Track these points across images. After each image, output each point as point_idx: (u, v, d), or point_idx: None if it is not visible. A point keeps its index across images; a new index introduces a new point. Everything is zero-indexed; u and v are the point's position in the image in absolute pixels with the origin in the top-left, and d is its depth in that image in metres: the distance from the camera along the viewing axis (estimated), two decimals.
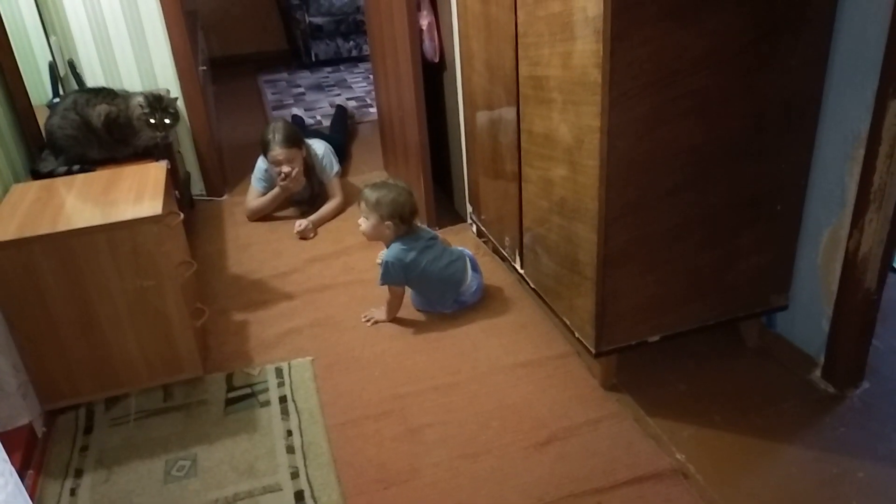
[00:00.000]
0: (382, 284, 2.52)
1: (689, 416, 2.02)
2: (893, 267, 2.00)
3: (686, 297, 2.04)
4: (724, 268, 2.03)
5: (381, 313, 2.56)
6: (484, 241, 3.03)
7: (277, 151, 3.22)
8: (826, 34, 1.82)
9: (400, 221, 2.50)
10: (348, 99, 5.36)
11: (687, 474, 1.83)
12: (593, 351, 2.04)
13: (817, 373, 2.11)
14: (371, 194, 2.50)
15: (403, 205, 2.50)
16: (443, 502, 1.80)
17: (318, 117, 4.96)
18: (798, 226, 2.06)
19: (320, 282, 2.85)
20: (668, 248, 1.94)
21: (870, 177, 1.81)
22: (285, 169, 3.24)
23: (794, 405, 2.04)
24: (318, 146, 3.46)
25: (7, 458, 0.89)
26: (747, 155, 1.88)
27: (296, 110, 5.06)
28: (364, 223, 2.55)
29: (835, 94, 1.87)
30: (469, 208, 3.08)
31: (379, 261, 2.62)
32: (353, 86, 5.76)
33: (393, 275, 2.48)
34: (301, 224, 3.23)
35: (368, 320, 2.55)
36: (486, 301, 2.65)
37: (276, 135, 3.21)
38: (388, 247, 2.53)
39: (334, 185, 3.45)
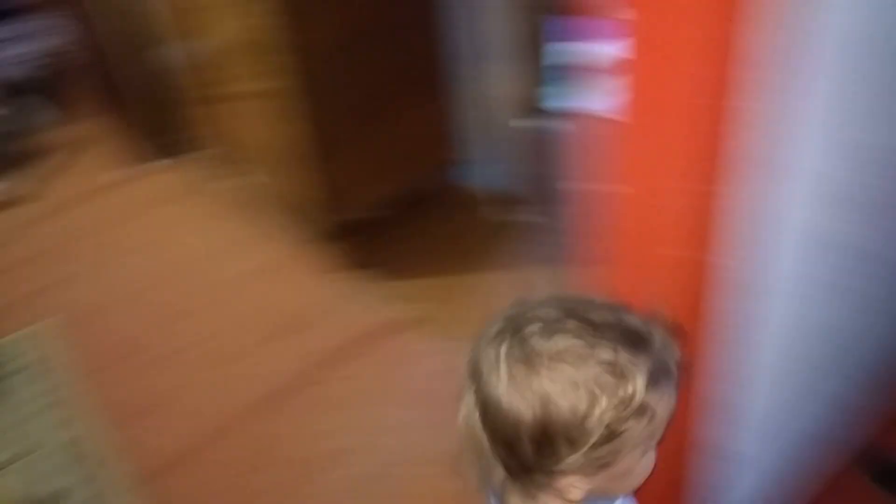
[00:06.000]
0: None
1: (420, 274, 2.23)
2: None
3: (379, 173, 2.27)
4: (399, 141, 2.26)
5: None
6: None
7: None
8: None
9: None
10: None
11: (425, 321, 2.04)
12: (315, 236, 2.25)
13: (517, 209, 2.38)
14: None
15: None
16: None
17: None
18: (450, 88, 2.32)
19: None
20: (348, 132, 2.12)
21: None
22: None
23: (501, 240, 2.34)
24: None
25: None
26: (396, 29, 2.11)
27: None
28: None
29: None
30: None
31: None
32: None
33: None
34: None
35: None
36: None
37: None
38: None
39: None
